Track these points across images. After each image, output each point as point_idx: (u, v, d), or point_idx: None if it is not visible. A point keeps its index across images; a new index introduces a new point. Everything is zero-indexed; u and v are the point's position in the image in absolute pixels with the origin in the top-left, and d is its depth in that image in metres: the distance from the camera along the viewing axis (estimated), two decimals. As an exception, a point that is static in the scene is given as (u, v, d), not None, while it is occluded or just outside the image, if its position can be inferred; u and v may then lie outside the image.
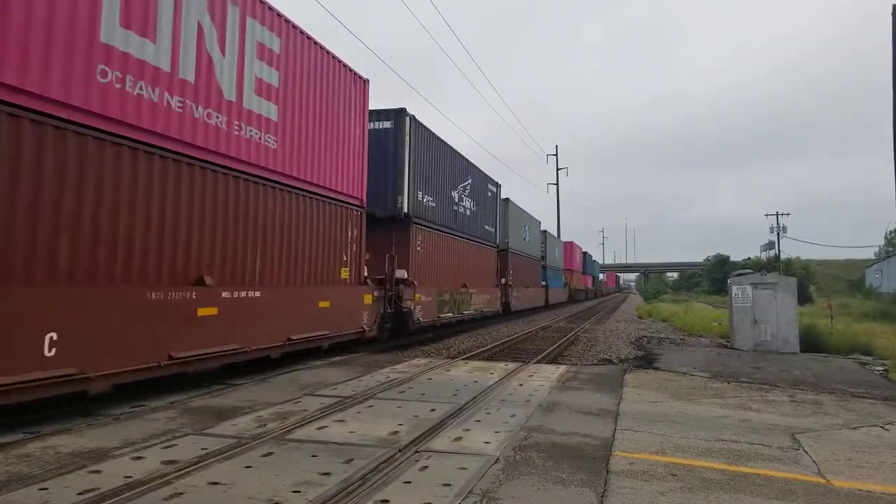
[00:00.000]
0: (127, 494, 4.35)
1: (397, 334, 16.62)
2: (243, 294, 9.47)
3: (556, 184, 59.46)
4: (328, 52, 12.33)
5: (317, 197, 11.92)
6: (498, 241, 26.57)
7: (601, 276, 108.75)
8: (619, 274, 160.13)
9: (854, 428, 6.96)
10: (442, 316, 19.08)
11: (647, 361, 12.99)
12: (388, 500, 4.36)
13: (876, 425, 7.11)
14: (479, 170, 24.01)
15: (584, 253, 66.37)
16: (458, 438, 6.10)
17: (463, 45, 31.65)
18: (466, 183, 22.20)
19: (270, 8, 10.44)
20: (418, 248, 17.40)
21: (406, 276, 16.31)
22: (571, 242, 54.39)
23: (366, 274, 14.17)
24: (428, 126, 17.97)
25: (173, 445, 5.66)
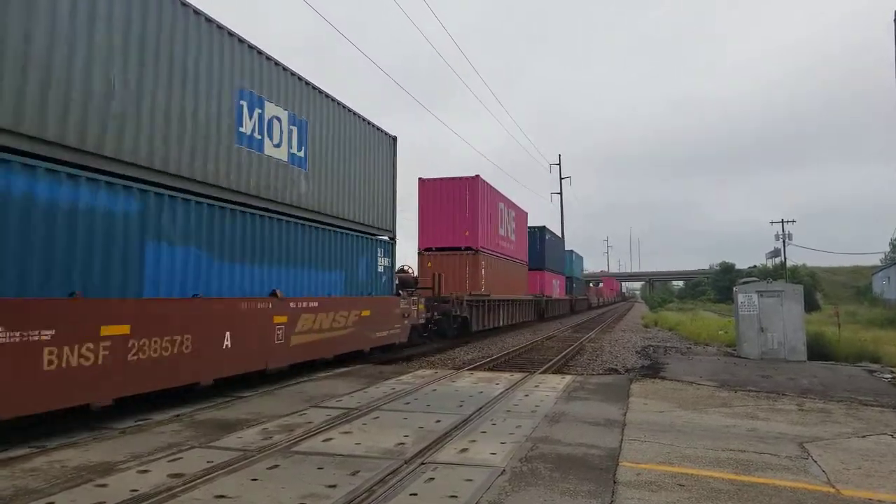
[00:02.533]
0: (133, 508, 4.35)
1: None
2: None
3: (560, 193, 59.48)
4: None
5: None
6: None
7: (597, 283, 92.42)
8: (623, 282, 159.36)
9: (863, 436, 6.90)
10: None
11: (653, 371, 12.92)
12: (394, 513, 4.34)
13: (885, 434, 7.05)
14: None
15: (540, 230, 36.01)
16: (464, 450, 6.08)
17: (473, 66, 31.79)
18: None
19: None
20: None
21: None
22: (494, 191, 25.53)
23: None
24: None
25: (179, 458, 5.66)
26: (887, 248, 77.17)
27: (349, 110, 13.71)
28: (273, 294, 10.45)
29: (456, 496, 4.67)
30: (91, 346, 6.76)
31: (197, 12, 8.99)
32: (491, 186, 25.03)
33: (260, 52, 10.47)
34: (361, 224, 14.16)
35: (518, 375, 11.73)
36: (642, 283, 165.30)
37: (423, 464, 5.56)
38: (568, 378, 11.48)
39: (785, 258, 62.47)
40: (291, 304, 10.88)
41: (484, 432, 6.86)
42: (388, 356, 15.38)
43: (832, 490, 4.96)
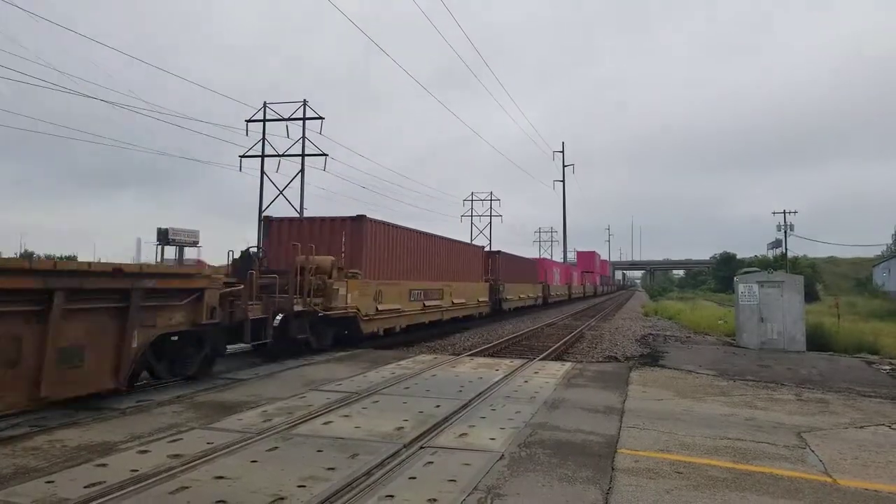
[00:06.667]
0: (133, 488, 4.38)
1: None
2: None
3: (563, 181, 59.28)
4: None
5: None
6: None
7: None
8: (625, 271, 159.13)
9: (861, 427, 6.92)
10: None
11: (652, 359, 12.95)
12: (392, 496, 4.36)
13: (883, 424, 7.06)
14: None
15: None
16: (464, 435, 6.10)
17: (490, 69, 31.45)
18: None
19: None
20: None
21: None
22: None
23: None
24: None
25: (179, 439, 5.68)
26: (889, 241, 77.10)
27: None
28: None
29: (455, 480, 4.69)
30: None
31: None
32: None
33: None
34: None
35: (518, 362, 11.76)
36: (643, 272, 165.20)
37: (422, 448, 5.59)
38: (567, 365, 11.50)
39: (786, 249, 62.36)
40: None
41: (483, 417, 6.88)
42: (389, 340, 15.38)
43: (829, 479, 4.98)
